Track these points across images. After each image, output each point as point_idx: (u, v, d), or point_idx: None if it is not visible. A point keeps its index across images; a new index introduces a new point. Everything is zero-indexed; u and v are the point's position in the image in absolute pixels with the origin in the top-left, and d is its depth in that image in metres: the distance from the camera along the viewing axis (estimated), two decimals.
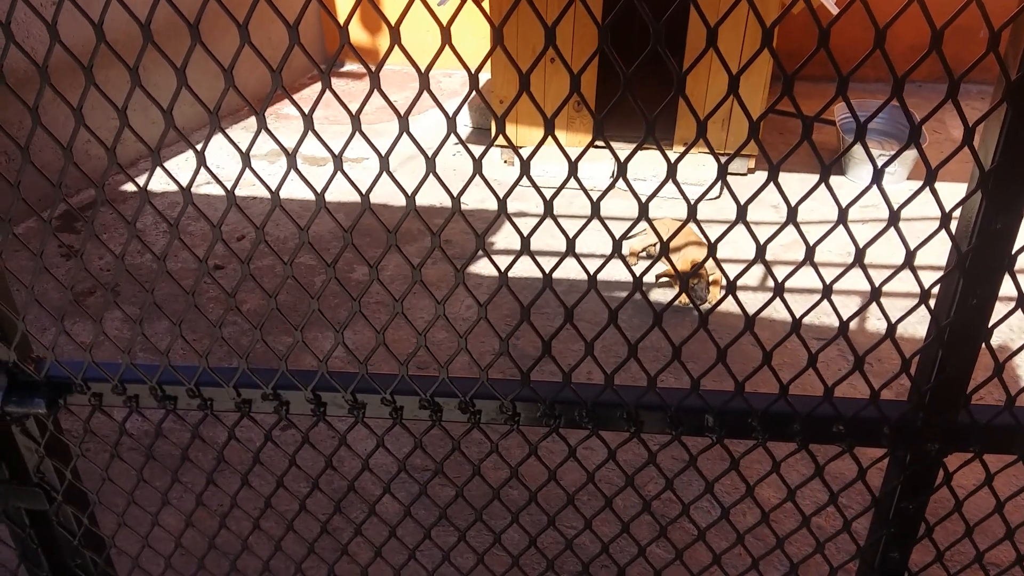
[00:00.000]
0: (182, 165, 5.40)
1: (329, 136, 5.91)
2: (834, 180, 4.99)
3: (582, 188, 1.00)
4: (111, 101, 1.00)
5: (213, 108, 0.94)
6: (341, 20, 7.74)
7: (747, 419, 1.12)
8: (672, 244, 3.77)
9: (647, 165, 4.81)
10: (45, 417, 1.23)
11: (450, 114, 0.93)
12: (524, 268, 3.73)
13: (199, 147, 0.94)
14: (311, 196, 4.74)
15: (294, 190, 4.73)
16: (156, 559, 1.44)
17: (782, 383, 1.10)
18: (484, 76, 5.74)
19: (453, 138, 5.90)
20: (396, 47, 0.87)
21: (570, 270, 3.65)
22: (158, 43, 0.89)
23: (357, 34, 7.48)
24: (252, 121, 6.12)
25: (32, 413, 1.21)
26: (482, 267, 4.11)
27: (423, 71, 0.89)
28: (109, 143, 0.98)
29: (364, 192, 1.00)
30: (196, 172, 1.00)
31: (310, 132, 0.95)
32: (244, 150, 0.99)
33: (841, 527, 1.22)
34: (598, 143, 0.96)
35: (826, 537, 1.26)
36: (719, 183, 0.96)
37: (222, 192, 3.97)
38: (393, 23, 0.86)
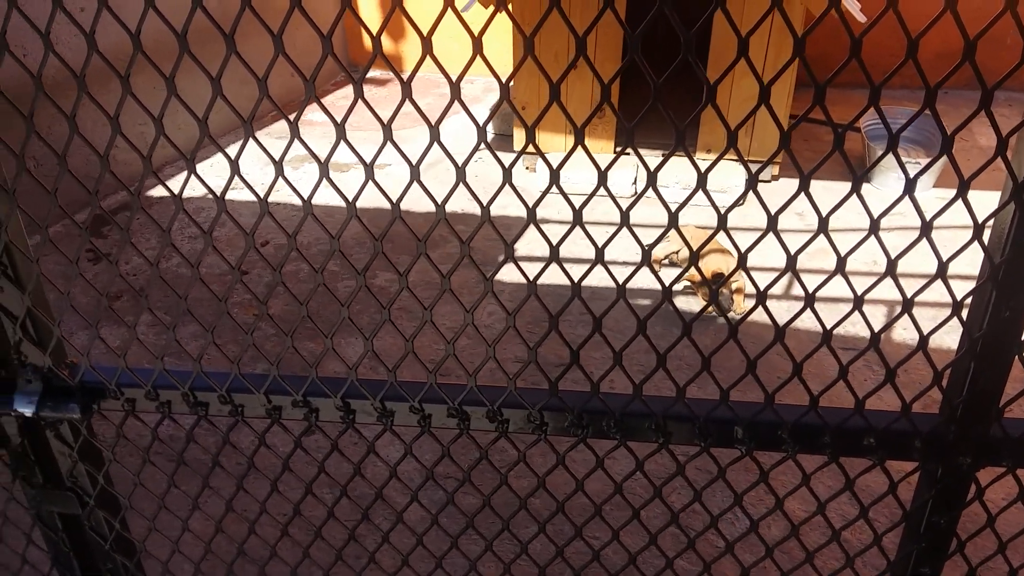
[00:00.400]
0: (207, 171, 5.45)
1: (355, 142, 5.95)
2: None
3: (612, 198, 1.01)
4: (147, 110, 1.01)
5: (247, 117, 0.95)
6: (371, 26, 7.80)
7: (777, 431, 1.11)
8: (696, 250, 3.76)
9: (671, 171, 4.80)
10: (79, 422, 1.25)
11: (480, 123, 0.94)
12: (549, 275, 3.74)
13: (232, 154, 0.95)
14: (335, 201, 4.78)
15: (318, 195, 4.76)
16: (185, 564, 1.46)
17: (812, 395, 1.09)
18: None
19: (483, 146, 5.90)
20: (428, 56, 0.87)
21: (594, 276, 3.64)
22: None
23: (382, 40, 7.53)
24: (276, 127, 6.17)
25: (66, 418, 1.23)
26: (504, 272, 4.12)
27: (454, 81, 0.89)
28: (136, 148, 0.99)
29: (395, 201, 1.00)
30: (230, 180, 1.01)
31: (338, 139, 0.96)
32: (277, 158, 1.00)
33: (871, 541, 1.21)
34: (620, 149, 0.96)
35: (856, 551, 1.24)
36: (746, 191, 0.95)
37: (245, 197, 3.98)
38: (424, 32, 0.87)
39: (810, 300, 1.03)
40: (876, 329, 1.04)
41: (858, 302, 1.02)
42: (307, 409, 1.21)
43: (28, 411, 1.21)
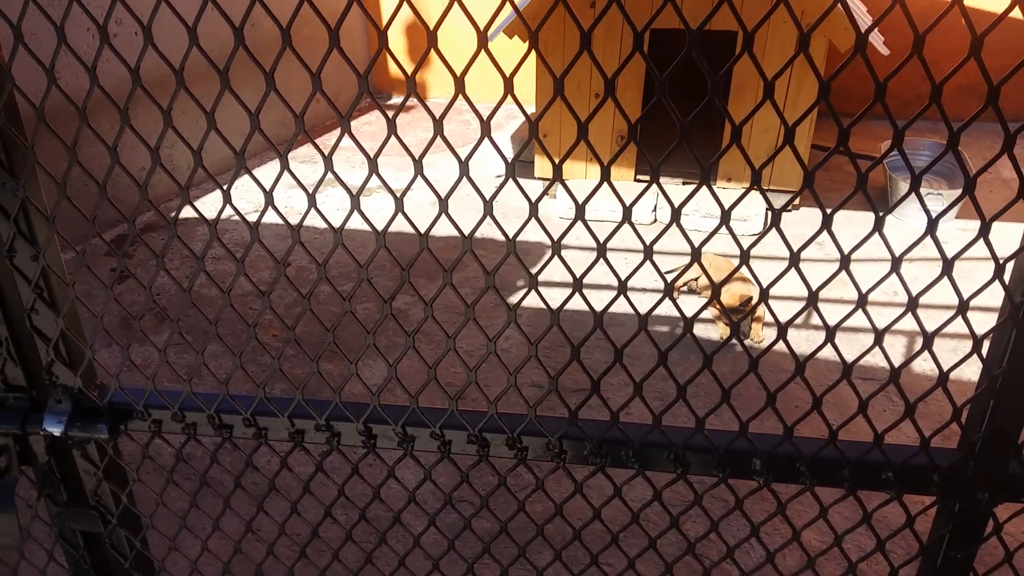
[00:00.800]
0: (233, 193, 5.53)
1: (381, 166, 6.02)
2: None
3: (634, 230, 1.03)
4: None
5: (277, 143, 0.98)
6: (394, 50, 7.89)
7: (795, 464, 1.12)
8: (716, 279, 3.76)
9: (691, 200, 4.82)
10: (106, 442, 1.27)
11: (508, 159, 0.96)
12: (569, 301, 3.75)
13: (268, 186, 0.98)
14: (355, 224, 4.83)
15: (338, 219, 4.82)
16: (214, 564, 1.47)
17: (831, 428, 1.10)
18: (527, 107, 5.81)
19: (495, 168, 5.97)
20: (460, 94, 0.90)
21: (614, 304, 3.65)
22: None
23: (405, 66, 7.61)
24: (300, 151, 6.24)
25: (94, 438, 1.25)
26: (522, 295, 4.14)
27: (485, 119, 0.92)
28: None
29: (423, 232, 1.03)
30: (264, 209, 1.04)
31: (370, 172, 0.99)
32: (303, 182, 1.03)
33: (888, 574, 1.21)
34: (642, 178, 0.98)
35: None
36: (766, 222, 0.97)
37: (268, 219, 3.99)
38: (458, 72, 0.90)
39: (831, 335, 1.04)
40: (896, 363, 1.05)
41: (879, 338, 1.03)
42: (329, 433, 1.23)
43: (57, 431, 1.24)
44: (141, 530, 1.37)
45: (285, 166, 0.95)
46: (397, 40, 7.25)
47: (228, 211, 3.86)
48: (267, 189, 0.99)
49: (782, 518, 1.16)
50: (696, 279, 4.09)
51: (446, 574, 1.48)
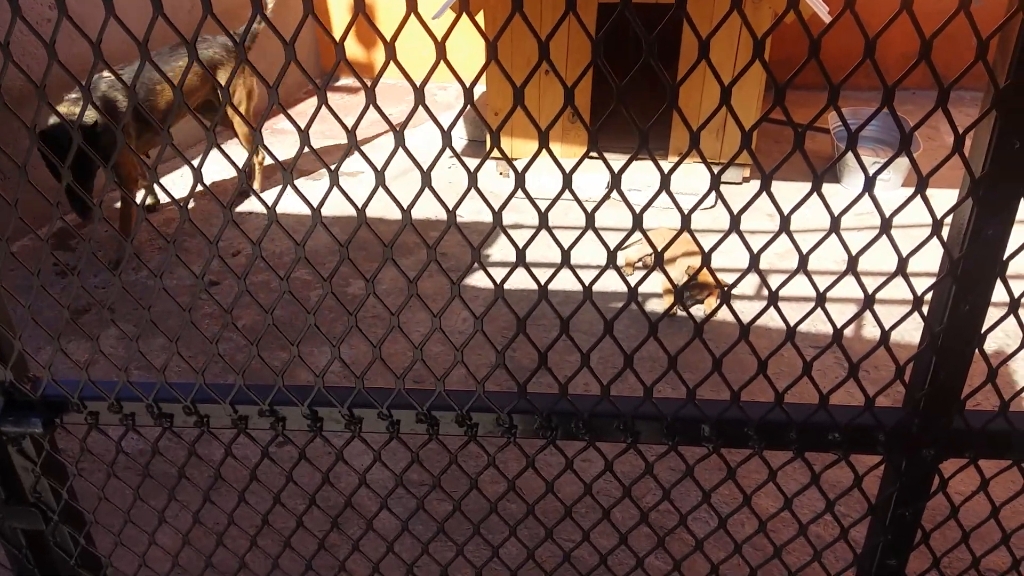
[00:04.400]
0: (177, 181, 5.40)
1: (325, 150, 5.89)
2: (829, 188, 5.00)
3: (577, 200, 1.01)
4: (112, 122, 1.00)
5: (211, 125, 0.94)
6: (336, 34, 7.76)
7: (743, 428, 1.12)
8: (668, 254, 3.79)
9: (642, 175, 4.83)
10: (41, 436, 1.23)
11: (445, 128, 0.94)
12: (520, 280, 3.74)
13: (195, 162, 0.94)
14: (307, 210, 4.75)
15: (289, 204, 4.73)
16: (163, 559, 1.44)
17: (778, 392, 1.10)
18: (479, 88, 5.77)
19: (449, 151, 5.90)
20: (392, 63, 0.87)
21: (566, 282, 3.65)
22: (150, 54, 0.89)
23: (352, 48, 7.50)
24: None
25: (28, 433, 1.21)
26: (478, 279, 4.12)
27: (418, 86, 0.89)
28: (102, 162, 0.98)
29: (360, 207, 1.00)
30: (192, 189, 1.01)
31: (306, 147, 0.96)
32: (241, 166, 0.99)
33: (838, 535, 1.22)
34: (592, 154, 0.97)
35: (824, 545, 1.26)
36: (713, 192, 0.96)
37: (216, 209, 3.95)
38: (388, 38, 0.87)
39: (773, 299, 1.04)
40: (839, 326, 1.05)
41: (820, 299, 1.03)
42: (274, 418, 1.20)
43: None
44: (84, 526, 1.33)
45: (213, 143, 0.92)
46: (348, 23, 7.13)
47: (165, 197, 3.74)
48: (195, 166, 0.96)
49: (735, 485, 1.17)
50: (649, 254, 4.11)
51: (402, 557, 1.47)
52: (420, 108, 0.90)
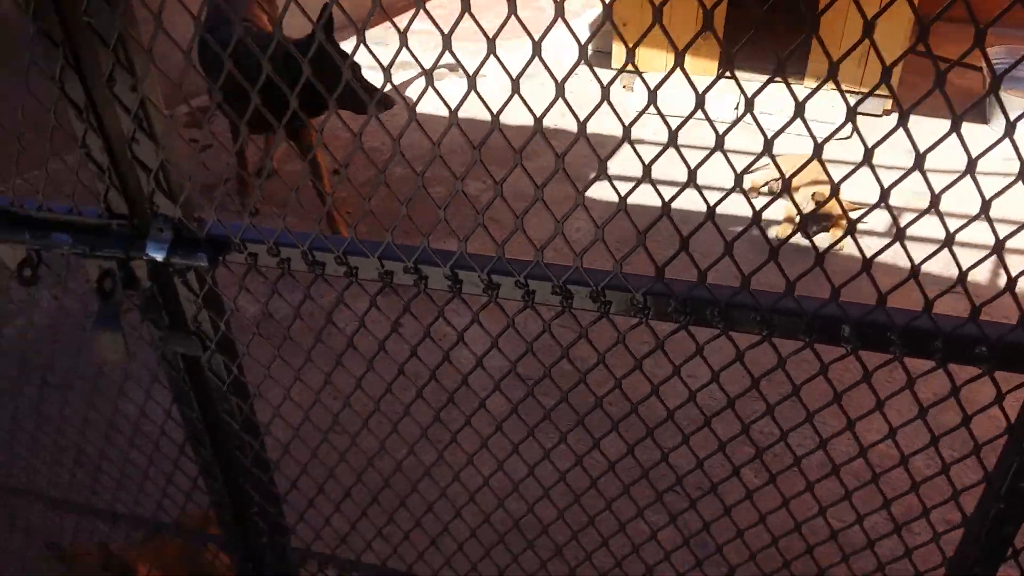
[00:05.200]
0: None
1: (456, 51, 5.92)
2: (976, 129, 4.69)
3: (708, 121, 1.00)
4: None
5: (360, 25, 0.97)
6: None
7: (886, 332, 1.10)
8: (795, 181, 3.66)
9: (775, 99, 4.64)
10: (205, 271, 1.32)
11: (582, 42, 0.94)
12: (641, 196, 3.74)
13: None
14: (428, 109, 4.80)
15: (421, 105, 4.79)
16: (295, 411, 1.55)
17: (927, 298, 1.08)
18: None
19: (571, 58, 5.82)
20: None
21: (687, 201, 3.60)
22: None
23: None
24: (373, 32, 6.18)
25: (194, 266, 1.30)
26: (596, 190, 4.10)
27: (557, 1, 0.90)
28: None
29: (495, 112, 1.03)
30: (343, 86, 1.04)
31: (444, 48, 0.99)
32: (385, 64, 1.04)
33: (971, 451, 1.20)
34: (720, 72, 0.94)
35: (953, 460, 1.24)
36: (849, 124, 0.93)
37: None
38: None
39: (900, 234, 1.02)
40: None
41: (949, 239, 1.00)
42: (417, 276, 1.26)
43: (159, 256, 1.29)
44: (237, 357, 1.44)
45: (362, 40, 0.94)
46: None
47: None
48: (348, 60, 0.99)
49: (867, 386, 1.16)
50: (777, 179, 3.99)
51: (509, 437, 1.53)
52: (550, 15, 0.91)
